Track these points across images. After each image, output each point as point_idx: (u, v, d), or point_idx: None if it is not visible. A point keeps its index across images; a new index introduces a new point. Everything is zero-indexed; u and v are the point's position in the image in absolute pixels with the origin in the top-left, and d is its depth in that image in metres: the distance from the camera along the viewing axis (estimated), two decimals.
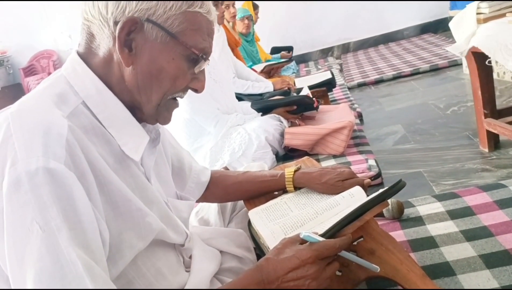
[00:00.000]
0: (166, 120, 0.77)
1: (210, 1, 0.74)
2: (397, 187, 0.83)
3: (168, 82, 0.71)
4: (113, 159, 0.69)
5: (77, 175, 0.59)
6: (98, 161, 0.64)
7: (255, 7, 4.84)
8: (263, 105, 2.36)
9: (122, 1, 0.67)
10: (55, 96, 0.66)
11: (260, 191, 1.10)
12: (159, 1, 0.68)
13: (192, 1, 0.70)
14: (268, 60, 4.45)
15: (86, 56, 0.72)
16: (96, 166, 0.63)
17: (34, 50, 6.30)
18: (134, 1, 0.67)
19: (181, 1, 0.69)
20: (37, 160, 0.56)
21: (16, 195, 0.55)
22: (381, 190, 0.85)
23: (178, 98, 0.78)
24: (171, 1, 0.68)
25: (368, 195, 0.93)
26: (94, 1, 0.68)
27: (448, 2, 4.19)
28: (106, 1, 0.67)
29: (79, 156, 0.60)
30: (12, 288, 0.56)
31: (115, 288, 0.60)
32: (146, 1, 0.67)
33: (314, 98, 2.37)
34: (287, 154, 2.20)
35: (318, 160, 2.02)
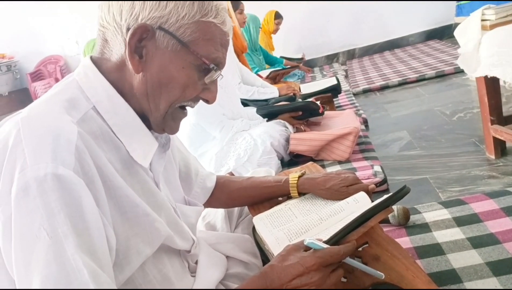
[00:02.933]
0: (172, 130, 0.77)
1: (226, 12, 0.73)
2: (402, 193, 0.83)
3: (177, 91, 0.71)
4: (121, 165, 0.69)
5: (85, 182, 0.59)
6: (106, 167, 0.64)
7: (278, 16, 4.85)
8: (268, 110, 2.37)
9: (136, 8, 0.67)
10: (65, 101, 0.66)
11: (264, 197, 1.10)
12: (173, 10, 0.67)
13: (206, 11, 0.69)
14: (276, 66, 4.46)
15: (100, 61, 0.73)
16: (104, 172, 0.63)
17: (41, 55, 6.37)
18: (148, 9, 0.67)
19: (195, 11, 0.68)
20: (46, 166, 0.56)
21: (24, 201, 0.55)
22: (385, 196, 0.84)
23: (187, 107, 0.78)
24: (185, 10, 0.67)
25: (372, 201, 0.93)
26: (110, 8, 0.68)
27: (454, 8, 4.20)
28: (120, 8, 0.67)
29: (88, 163, 0.61)
30: None
31: None
32: (159, 9, 0.67)
33: (319, 104, 2.38)
34: (292, 159, 2.20)
35: (323, 166, 2.02)
